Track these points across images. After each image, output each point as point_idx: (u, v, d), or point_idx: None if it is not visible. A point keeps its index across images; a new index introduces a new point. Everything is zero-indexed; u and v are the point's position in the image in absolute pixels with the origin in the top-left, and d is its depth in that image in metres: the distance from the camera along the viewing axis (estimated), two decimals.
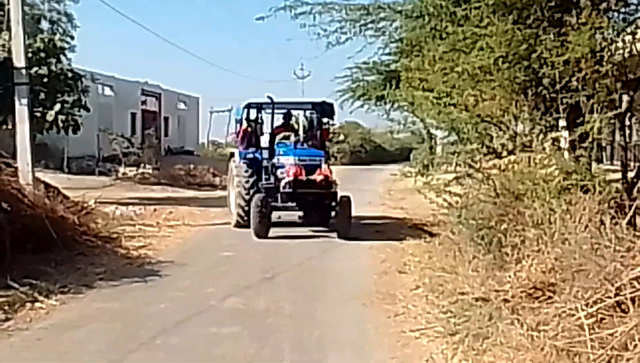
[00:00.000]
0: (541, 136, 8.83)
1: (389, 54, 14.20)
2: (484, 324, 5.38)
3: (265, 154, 12.03)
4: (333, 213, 10.71)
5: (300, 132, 12.87)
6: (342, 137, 44.07)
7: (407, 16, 11.24)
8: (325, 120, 12.66)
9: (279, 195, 10.80)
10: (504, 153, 9.51)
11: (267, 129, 13.33)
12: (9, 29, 11.72)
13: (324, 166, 10.57)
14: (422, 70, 10.17)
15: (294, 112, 13.42)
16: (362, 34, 12.30)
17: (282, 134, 12.01)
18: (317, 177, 10.30)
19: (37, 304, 6.39)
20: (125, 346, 5.33)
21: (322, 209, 11.33)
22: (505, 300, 5.57)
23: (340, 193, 10.88)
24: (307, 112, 13.09)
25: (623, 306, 4.45)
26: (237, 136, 12.66)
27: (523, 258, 6.16)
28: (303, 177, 10.36)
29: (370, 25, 12.20)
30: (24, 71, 10.90)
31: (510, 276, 5.97)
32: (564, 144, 9.18)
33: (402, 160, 37.41)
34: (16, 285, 6.65)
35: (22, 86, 10.75)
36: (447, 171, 9.65)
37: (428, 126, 17.84)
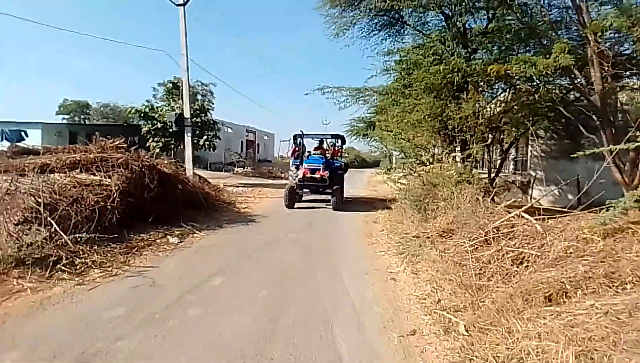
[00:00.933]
0: (447, 155, 8.75)
1: (371, 113, 14.17)
2: (417, 249, 5.32)
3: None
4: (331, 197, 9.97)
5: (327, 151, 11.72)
6: (345, 154, 43.77)
7: (380, 93, 11.30)
8: (338, 144, 12.30)
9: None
10: (428, 163, 9.45)
11: (309, 148, 12.53)
12: (181, 98, 11.82)
13: (322, 169, 9.88)
14: (387, 121, 10.20)
15: (326, 139, 12.59)
16: (356, 102, 12.30)
17: (315, 152, 11.27)
18: (316, 175, 9.84)
19: (195, 235, 6.46)
20: (240, 255, 5.37)
21: (322, 193, 10.64)
22: (428, 237, 5.47)
23: (336, 186, 10.23)
24: (330, 140, 12.26)
25: (488, 241, 4.39)
26: (291, 153, 12.12)
27: (436, 216, 6.09)
28: (308, 175, 9.88)
29: (361, 98, 12.19)
30: (189, 120, 10.97)
31: (430, 225, 5.89)
32: (458, 159, 9.11)
33: (375, 166, 37.10)
34: (185, 225, 6.74)
35: (188, 127, 10.85)
36: (398, 172, 9.57)
37: (389, 149, 17.91)
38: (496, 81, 8.38)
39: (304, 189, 10.21)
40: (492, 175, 9.79)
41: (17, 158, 6.79)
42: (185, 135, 11.02)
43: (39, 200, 5.06)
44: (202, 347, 2.83)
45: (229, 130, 27.72)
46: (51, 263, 4.28)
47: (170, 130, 12.62)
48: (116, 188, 6.04)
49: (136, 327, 3.12)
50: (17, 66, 78.66)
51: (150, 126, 13.77)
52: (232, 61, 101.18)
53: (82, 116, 34.63)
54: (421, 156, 10.37)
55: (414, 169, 8.32)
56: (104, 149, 7.10)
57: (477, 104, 8.21)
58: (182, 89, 11.45)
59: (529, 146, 12.47)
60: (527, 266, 3.71)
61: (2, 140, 13.15)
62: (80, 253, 4.67)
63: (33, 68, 77.86)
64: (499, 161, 10.50)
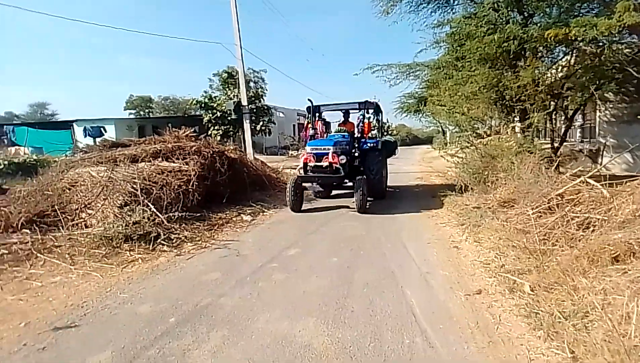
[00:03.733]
0: (505, 126, 8.58)
1: (422, 88, 13.93)
2: (478, 219, 5.45)
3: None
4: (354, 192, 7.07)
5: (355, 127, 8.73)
6: (396, 132, 43.10)
7: (431, 68, 11.08)
8: (369, 115, 8.68)
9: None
10: (485, 136, 9.32)
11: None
12: (237, 87, 12.44)
13: (331, 152, 6.91)
14: (439, 95, 10.02)
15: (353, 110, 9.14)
16: (406, 78, 12.19)
17: (340, 129, 8.56)
18: (323, 163, 6.96)
19: (265, 213, 7.00)
20: (304, 231, 5.78)
21: (338, 188, 8.40)
22: (489, 208, 5.59)
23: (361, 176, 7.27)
24: (358, 112, 8.85)
25: (551, 209, 4.44)
26: (305, 130, 9.18)
27: (497, 187, 6.14)
28: (312, 163, 7.07)
29: (411, 74, 12.06)
30: (246, 108, 11.51)
31: (490, 197, 5.97)
32: (518, 129, 8.90)
33: (428, 143, 36.33)
34: (254, 205, 7.35)
35: (246, 114, 11.42)
36: (454, 146, 9.50)
37: (442, 124, 17.51)
38: (556, 45, 7.99)
39: (307, 184, 7.58)
40: (556, 144, 9.42)
41: (109, 150, 7.67)
42: (244, 122, 11.65)
43: (135, 186, 5.84)
44: (290, 302, 3.30)
45: (281, 115, 28.39)
46: (152, 238, 5.01)
47: (229, 118, 13.35)
48: (194, 173, 6.73)
49: (233, 287, 3.67)
50: (87, 67, 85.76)
51: (210, 115, 14.64)
52: (279, 45, 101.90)
53: (146, 110, 37.30)
54: (477, 128, 10.23)
55: (471, 142, 8.27)
56: (178, 139, 7.85)
57: (536, 71, 7.92)
58: (237, 78, 12.06)
59: (597, 111, 11.71)
60: (593, 230, 3.77)
61: (85, 136, 14.79)
62: (174, 230, 5.39)
63: (101, 68, 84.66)
64: (563, 130, 10.04)
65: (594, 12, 7.22)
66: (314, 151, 7.18)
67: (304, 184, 7.32)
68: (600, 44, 7.22)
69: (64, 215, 5.66)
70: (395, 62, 11.65)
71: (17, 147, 15.37)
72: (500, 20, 8.09)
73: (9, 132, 18.94)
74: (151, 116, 34.77)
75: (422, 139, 43.75)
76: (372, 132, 8.92)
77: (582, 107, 9.82)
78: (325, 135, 8.80)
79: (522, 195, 5.33)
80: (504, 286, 3.43)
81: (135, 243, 4.92)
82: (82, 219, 5.69)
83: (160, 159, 7.18)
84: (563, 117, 10.56)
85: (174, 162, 7.14)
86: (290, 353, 2.51)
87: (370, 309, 3.11)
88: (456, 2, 10.01)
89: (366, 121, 8.55)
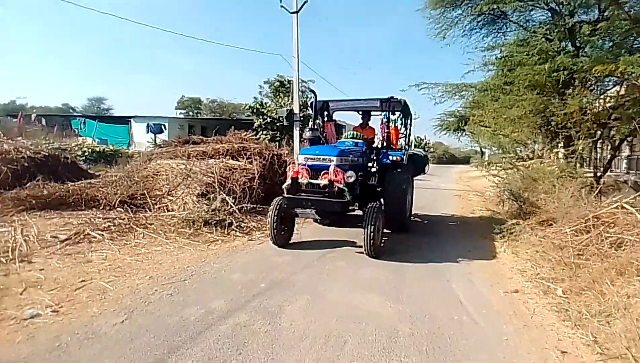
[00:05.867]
0: (548, 151, 8.94)
1: (463, 107, 14.39)
2: (518, 234, 5.92)
3: None
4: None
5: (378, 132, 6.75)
6: (433, 149, 43.15)
7: (478, 90, 11.59)
8: (395, 118, 6.65)
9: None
10: (527, 159, 9.72)
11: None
12: (290, 96, 13.38)
13: (333, 167, 4.78)
14: (482, 116, 10.50)
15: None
16: (451, 98, 12.75)
17: (348, 133, 6.56)
18: (320, 181, 4.80)
19: None
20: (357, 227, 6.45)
21: (338, 219, 6.27)
22: (528, 225, 6.04)
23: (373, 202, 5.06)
24: (380, 113, 6.90)
25: (587, 229, 4.90)
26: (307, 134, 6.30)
27: (536, 207, 6.59)
28: (304, 180, 4.90)
29: (457, 93, 12.60)
30: (298, 116, 12.37)
31: (529, 216, 6.43)
32: (561, 155, 9.24)
33: (465, 163, 36.24)
34: None
35: (297, 122, 12.30)
36: (495, 167, 9.93)
37: (481, 145, 17.81)
38: (606, 76, 8.34)
39: (297, 209, 5.06)
40: (599, 173, 9.67)
41: (182, 146, 8.72)
42: (294, 128, 12.57)
43: (212, 179, 6.78)
44: (353, 282, 4.01)
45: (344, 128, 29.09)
46: (227, 225, 5.88)
47: (277, 124, 14.31)
48: (257, 172, 7.61)
49: (302, 268, 4.43)
50: (139, 66, 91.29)
51: (261, 120, 15.70)
52: (326, 57, 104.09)
53: (195, 111, 39.56)
54: (520, 151, 10.61)
55: (513, 164, 8.71)
56: (243, 141, 8.79)
57: (584, 100, 8.29)
58: (292, 88, 13.03)
59: None
60: (624, 249, 4.25)
61: (147, 132, 16.27)
62: (243, 219, 6.24)
63: (153, 68, 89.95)
64: (607, 159, 10.25)
65: None
66: (309, 163, 4.98)
67: (295, 209, 5.04)
68: None
69: (150, 199, 6.65)
70: (442, 82, 12.25)
71: (84, 138, 17.09)
72: (552, 51, 8.56)
73: (80, 123, 21.03)
74: (199, 116, 36.83)
75: (459, 159, 43.56)
76: (400, 141, 6.80)
77: (628, 139, 10.02)
78: (334, 141, 6.75)
79: (561, 215, 5.80)
80: (538, 289, 4.00)
81: (212, 227, 5.81)
82: (164, 204, 6.67)
83: (227, 157, 8.13)
84: (609, 147, 10.77)
85: (238, 161, 8.06)
86: (363, 315, 3.21)
87: (423, 296, 3.77)
88: (508, 29, 10.56)
89: (392, 125, 6.43)
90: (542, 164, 8.57)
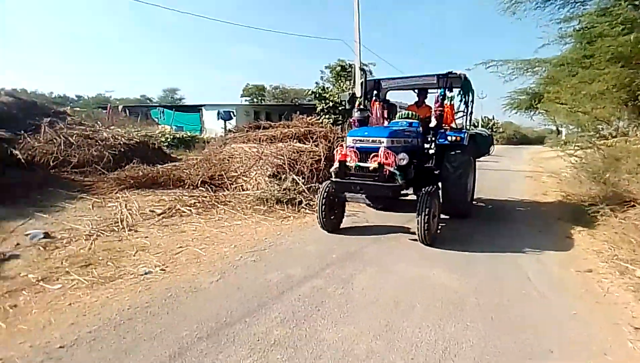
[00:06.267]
0: (635, 128, 8.23)
1: (536, 84, 13.49)
2: (595, 216, 5.63)
3: None
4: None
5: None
6: (502, 129, 40.73)
7: (553, 65, 10.84)
8: (450, 94, 6.00)
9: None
10: (610, 137, 9.02)
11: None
12: (352, 80, 13.50)
13: (384, 150, 4.47)
14: (559, 93, 9.83)
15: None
16: (523, 75, 12.05)
17: (402, 113, 6.06)
18: (370, 164, 4.54)
19: None
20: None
21: (387, 201, 6.13)
22: (608, 207, 5.71)
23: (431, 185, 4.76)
24: (436, 90, 6.01)
25: None
26: (356, 114, 6.09)
27: (617, 186, 6.19)
28: (352, 163, 4.66)
29: (529, 70, 11.88)
30: (359, 99, 12.48)
31: (609, 195, 6.07)
32: None
33: (537, 143, 33.87)
34: None
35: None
36: (573, 147, 9.33)
37: (557, 123, 16.59)
38: None
39: (346, 194, 4.88)
40: None
41: (253, 131, 9.32)
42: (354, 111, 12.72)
43: (282, 161, 7.24)
44: (419, 257, 4.20)
45: (399, 108, 28.79)
46: (297, 203, 6.32)
47: (339, 108, 14.51)
48: (323, 154, 7.94)
49: (370, 242, 4.71)
50: (207, 57, 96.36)
51: (323, 104, 16.03)
52: (387, 37, 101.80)
53: (259, 98, 41.17)
54: (602, 129, 9.84)
55: (593, 143, 8.16)
56: (309, 125, 9.17)
57: None
58: (354, 72, 13.14)
59: None
60: None
61: (218, 119, 17.42)
62: (312, 198, 6.63)
63: (219, 58, 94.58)
64: None
65: None
66: (358, 145, 4.75)
67: (344, 193, 4.86)
68: None
69: (227, 179, 7.29)
70: (512, 58, 11.62)
71: (163, 126, 18.74)
72: (639, 19, 7.78)
73: (160, 113, 23.15)
74: (263, 103, 38.25)
75: (531, 139, 40.68)
76: (459, 120, 6.36)
77: None
78: (386, 123, 6.38)
79: None
80: (614, 270, 3.88)
81: (284, 205, 6.28)
82: (239, 184, 7.27)
83: (294, 140, 8.56)
84: None
85: (305, 144, 8.46)
86: (429, 286, 3.43)
87: (492, 273, 3.87)
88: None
89: (447, 103, 5.94)
90: (627, 143, 7.94)
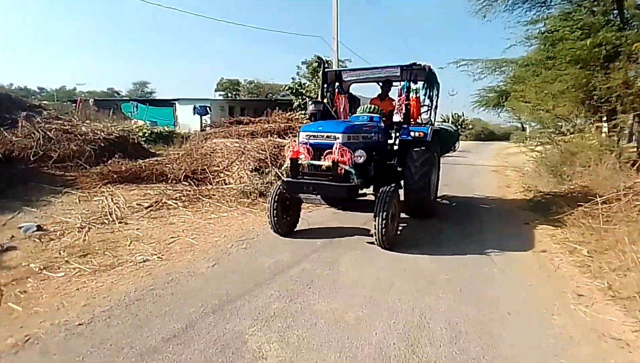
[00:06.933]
0: (590, 125, 9.00)
1: (503, 84, 14.31)
2: (550, 205, 6.26)
3: None
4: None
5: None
6: (471, 126, 42.19)
7: (519, 65, 11.61)
8: (414, 87, 5.69)
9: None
10: (567, 133, 9.80)
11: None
12: None
13: (338, 147, 4.14)
14: (524, 91, 10.58)
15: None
16: (491, 73, 12.81)
17: (365, 106, 5.79)
18: (323, 163, 4.26)
19: None
20: None
21: (344, 202, 5.62)
22: (562, 195, 6.38)
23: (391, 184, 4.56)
24: (399, 83, 5.80)
25: (618, 197, 5.23)
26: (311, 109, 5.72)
27: (572, 179, 6.88)
28: (305, 161, 4.35)
29: (497, 69, 12.64)
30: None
31: (565, 186, 6.74)
32: (604, 130, 9.26)
33: (505, 139, 35.41)
34: None
35: None
36: (534, 143, 10.05)
37: (522, 120, 17.58)
38: None
39: (299, 194, 4.51)
40: None
41: (232, 126, 9.55)
42: None
43: (264, 155, 7.55)
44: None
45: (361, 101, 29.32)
46: None
47: None
48: None
49: (350, 230, 5.10)
50: (178, 49, 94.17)
51: (300, 100, 16.34)
52: (362, 32, 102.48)
53: (233, 92, 40.89)
54: (561, 126, 10.66)
55: (552, 139, 8.89)
56: (289, 120, 9.50)
57: (629, 73, 8.27)
58: (331, 68, 13.43)
59: None
60: None
61: (194, 114, 17.40)
62: None
63: (191, 51, 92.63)
64: None
65: None
66: (311, 141, 4.43)
67: (299, 194, 4.48)
68: None
69: (209, 174, 7.52)
70: (482, 58, 12.32)
71: (136, 120, 18.49)
72: (597, 24, 8.52)
73: (133, 107, 22.75)
74: (238, 98, 38.05)
75: (499, 135, 42.46)
76: (423, 115, 6.05)
77: None
78: (347, 116, 6.04)
79: (597, 186, 6.12)
80: (565, 250, 4.47)
81: (267, 198, 6.57)
82: (222, 178, 7.52)
83: (275, 135, 8.88)
84: None
85: (285, 139, 8.79)
86: (405, 266, 3.86)
87: (456, 245, 4.36)
88: (552, 2, 10.43)
89: (413, 95, 5.61)
90: (583, 139, 8.71)
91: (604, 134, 9.13)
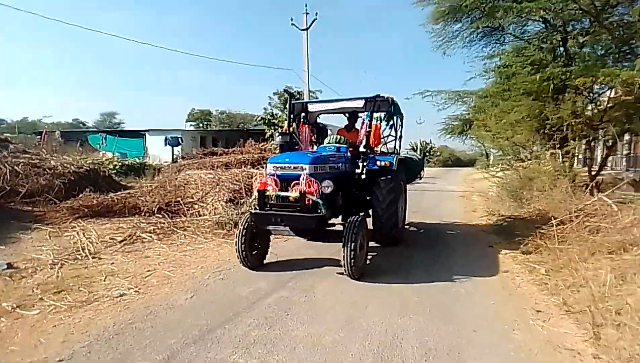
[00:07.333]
0: (545, 152, 9.69)
1: (467, 113, 15.18)
2: (512, 227, 6.71)
3: None
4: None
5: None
6: (439, 153, 43.75)
7: (479, 96, 12.43)
8: (377, 116, 5.87)
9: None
10: (525, 160, 10.50)
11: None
12: None
13: (306, 177, 4.25)
14: (485, 120, 11.30)
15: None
16: (454, 104, 13.61)
17: (332, 137, 5.96)
18: (290, 193, 4.30)
19: None
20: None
21: (313, 233, 5.73)
22: (522, 218, 6.84)
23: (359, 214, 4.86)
24: (363, 113, 6.19)
25: (571, 219, 5.70)
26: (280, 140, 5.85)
27: (530, 203, 7.38)
28: (272, 193, 4.41)
29: (459, 100, 13.45)
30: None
31: (524, 210, 7.22)
32: (558, 156, 10.00)
33: (471, 166, 36.94)
34: None
35: None
36: (496, 169, 10.67)
37: (486, 147, 18.55)
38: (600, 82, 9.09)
39: (268, 226, 4.56)
40: (594, 172, 10.42)
41: (206, 157, 9.67)
42: None
43: (239, 186, 7.69)
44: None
45: (330, 131, 29.99)
46: None
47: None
48: None
49: (322, 257, 5.28)
50: (148, 81, 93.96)
51: (272, 130, 16.67)
52: (331, 64, 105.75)
53: (205, 123, 40.96)
54: (519, 153, 11.41)
55: (512, 165, 9.50)
56: (262, 151, 9.72)
57: (576, 104, 9.07)
58: (299, 99, 13.91)
59: None
60: (600, 235, 5.06)
61: (165, 145, 17.36)
62: None
63: (161, 83, 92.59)
64: (600, 158, 11.00)
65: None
66: (279, 172, 4.50)
67: (268, 226, 4.54)
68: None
69: (184, 206, 7.57)
70: (445, 89, 13.10)
71: (104, 152, 18.21)
72: (545, 60, 9.36)
73: (102, 139, 22.36)
74: (209, 128, 38.12)
75: (465, 161, 44.27)
76: (389, 144, 6.40)
77: (625, 138, 10.76)
78: (314, 146, 6.25)
79: (552, 209, 6.62)
80: (525, 269, 4.83)
81: None
82: (196, 210, 7.58)
83: (249, 166, 9.06)
84: (604, 147, 11.49)
85: (259, 169, 8.98)
86: (377, 294, 4.07)
87: (426, 277, 4.62)
88: (506, 40, 11.40)
89: (374, 123, 5.76)
90: (539, 165, 9.37)
91: (558, 160, 9.86)
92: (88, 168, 8.63)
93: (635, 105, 8.49)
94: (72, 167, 8.26)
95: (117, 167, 11.45)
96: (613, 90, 9.47)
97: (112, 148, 20.39)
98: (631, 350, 2.77)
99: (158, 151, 21.02)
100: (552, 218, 5.79)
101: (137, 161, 13.40)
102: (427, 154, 37.56)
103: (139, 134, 24.51)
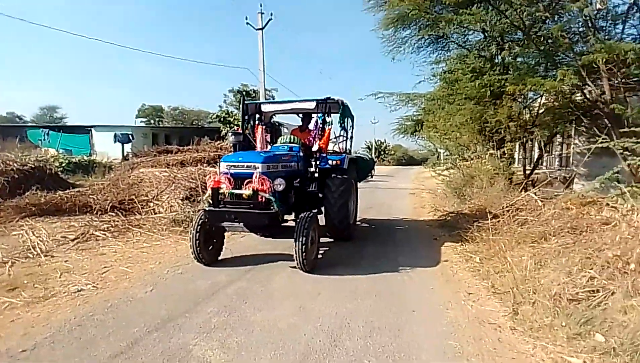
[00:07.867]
0: (485, 152, 10.57)
1: (418, 113, 16.02)
2: (455, 222, 7.35)
3: None
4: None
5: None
6: (393, 152, 45.19)
7: (427, 99, 13.21)
8: (329, 119, 6.15)
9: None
10: (469, 159, 11.36)
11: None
12: None
13: (258, 176, 4.44)
14: (434, 121, 12.06)
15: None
16: (405, 105, 14.33)
17: (285, 137, 6.21)
18: (244, 191, 4.47)
19: None
20: None
21: (268, 231, 5.93)
22: (464, 214, 7.50)
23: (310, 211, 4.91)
24: (316, 115, 6.34)
25: (504, 213, 6.39)
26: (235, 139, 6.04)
27: (472, 199, 8.09)
28: (226, 190, 4.54)
29: (410, 102, 14.20)
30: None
31: (466, 206, 7.91)
32: (498, 156, 10.91)
33: (423, 163, 38.54)
34: None
35: None
36: (443, 167, 11.45)
37: (436, 147, 19.57)
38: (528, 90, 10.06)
39: (222, 223, 4.67)
40: (528, 171, 11.48)
41: (160, 155, 9.59)
42: None
43: (195, 184, 7.77)
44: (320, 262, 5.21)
45: (285, 130, 30.19)
46: None
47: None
48: None
49: (274, 249, 5.57)
50: (94, 73, 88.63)
51: (228, 128, 16.65)
52: (287, 64, 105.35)
53: (156, 119, 39.57)
54: (464, 153, 12.30)
55: (456, 164, 10.27)
56: (218, 149, 9.80)
57: (512, 108, 9.97)
58: (254, 97, 14.04)
59: (572, 144, 13.86)
60: (526, 227, 5.75)
61: (115, 142, 16.69)
62: None
63: (107, 75, 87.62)
64: (536, 158, 12.11)
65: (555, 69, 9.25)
66: (232, 171, 4.66)
67: (222, 223, 4.66)
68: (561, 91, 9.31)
69: (138, 204, 7.55)
70: (397, 91, 13.79)
71: (47, 149, 17.26)
72: (483, 68, 10.20)
73: (44, 135, 21.04)
74: (161, 124, 36.93)
75: (418, 160, 46.11)
76: (341, 144, 6.79)
77: (550, 141, 11.92)
78: (268, 146, 6.42)
79: (490, 204, 7.32)
80: (463, 258, 5.40)
81: None
82: (151, 208, 7.58)
83: (205, 164, 9.12)
84: (538, 147, 12.67)
85: (215, 167, 9.06)
86: (329, 283, 4.42)
87: (375, 266, 5.05)
88: (450, 47, 12.22)
89: (327, 127, 6.04)
90: (480, 164, 10.22)
91: (496, 160, 10.77)
92: (33, 166, 8.31)
93: (560, 111, 9.54)
94: (15, 164, 7.93)
95: (63, 164, 11.01)
96: (543, 97, 10.55)
97: (55, 145, 19.36)
98: (541, 322, 3.32)
99: (106, 148, 20.20)
100: (488, 213, 6.45)
101: (85, 158, 12.92)
102: (382, 153, 38.84)
103: (84, 130, 23.36)
